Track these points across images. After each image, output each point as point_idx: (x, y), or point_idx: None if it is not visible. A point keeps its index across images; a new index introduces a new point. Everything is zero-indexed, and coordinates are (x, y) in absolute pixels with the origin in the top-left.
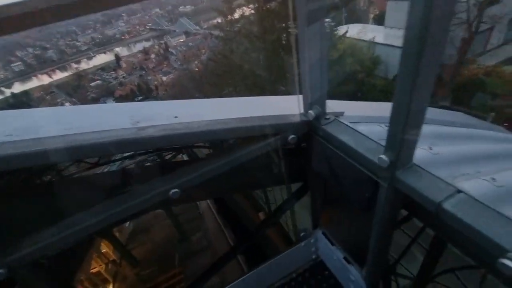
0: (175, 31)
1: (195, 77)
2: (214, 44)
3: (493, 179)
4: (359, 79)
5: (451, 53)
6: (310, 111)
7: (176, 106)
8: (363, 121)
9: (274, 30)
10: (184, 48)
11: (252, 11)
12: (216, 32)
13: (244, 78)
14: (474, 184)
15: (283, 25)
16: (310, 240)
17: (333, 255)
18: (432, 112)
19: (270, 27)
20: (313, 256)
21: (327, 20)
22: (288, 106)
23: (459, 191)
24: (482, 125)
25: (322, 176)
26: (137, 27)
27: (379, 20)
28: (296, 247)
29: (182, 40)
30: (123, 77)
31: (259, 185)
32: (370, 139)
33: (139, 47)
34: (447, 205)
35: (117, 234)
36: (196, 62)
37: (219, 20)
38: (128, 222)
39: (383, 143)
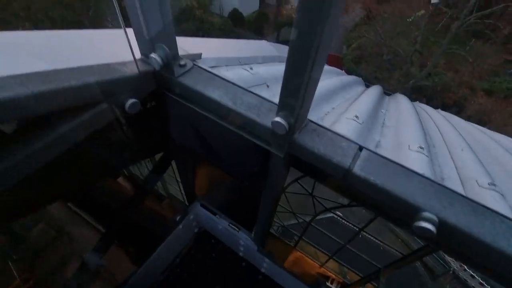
0: None
1: None
2: None
3: (357, 117)
4: (198, 16)
5: None
6: (153, 55)
7: None
8: (223, 64)
9: None
10: None
11: None
12: None
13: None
14: (347, 127)
15: None
16: (190, 217)
17: (218, 225)
18: (280, 49)
19: None
20: (196, 230)
21: None
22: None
23: (361, 148)
24: None
25: (187, 145)
26: None
27: None
28: (176, 231)
29: None
30: None
31: (104, 172)
32: (252, 93)
33: None
34: (356, 169)
35: None
36: None
37: None
38: None
39: (256, 90)
